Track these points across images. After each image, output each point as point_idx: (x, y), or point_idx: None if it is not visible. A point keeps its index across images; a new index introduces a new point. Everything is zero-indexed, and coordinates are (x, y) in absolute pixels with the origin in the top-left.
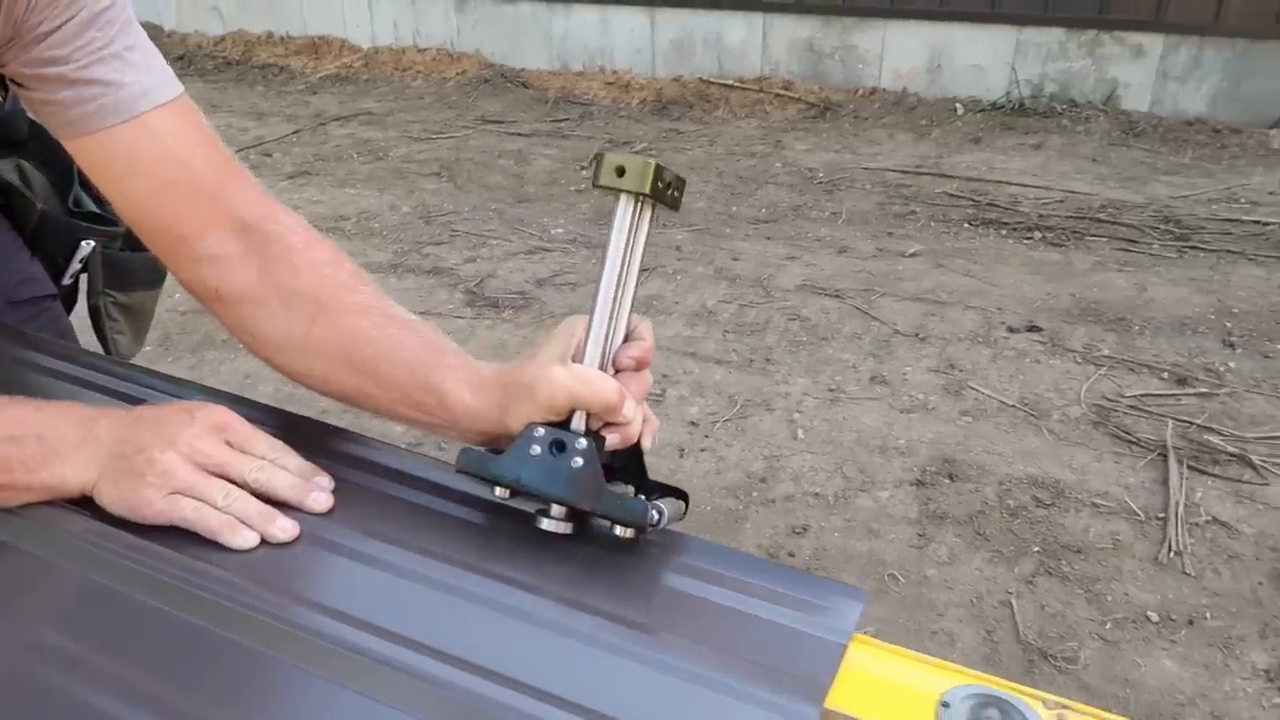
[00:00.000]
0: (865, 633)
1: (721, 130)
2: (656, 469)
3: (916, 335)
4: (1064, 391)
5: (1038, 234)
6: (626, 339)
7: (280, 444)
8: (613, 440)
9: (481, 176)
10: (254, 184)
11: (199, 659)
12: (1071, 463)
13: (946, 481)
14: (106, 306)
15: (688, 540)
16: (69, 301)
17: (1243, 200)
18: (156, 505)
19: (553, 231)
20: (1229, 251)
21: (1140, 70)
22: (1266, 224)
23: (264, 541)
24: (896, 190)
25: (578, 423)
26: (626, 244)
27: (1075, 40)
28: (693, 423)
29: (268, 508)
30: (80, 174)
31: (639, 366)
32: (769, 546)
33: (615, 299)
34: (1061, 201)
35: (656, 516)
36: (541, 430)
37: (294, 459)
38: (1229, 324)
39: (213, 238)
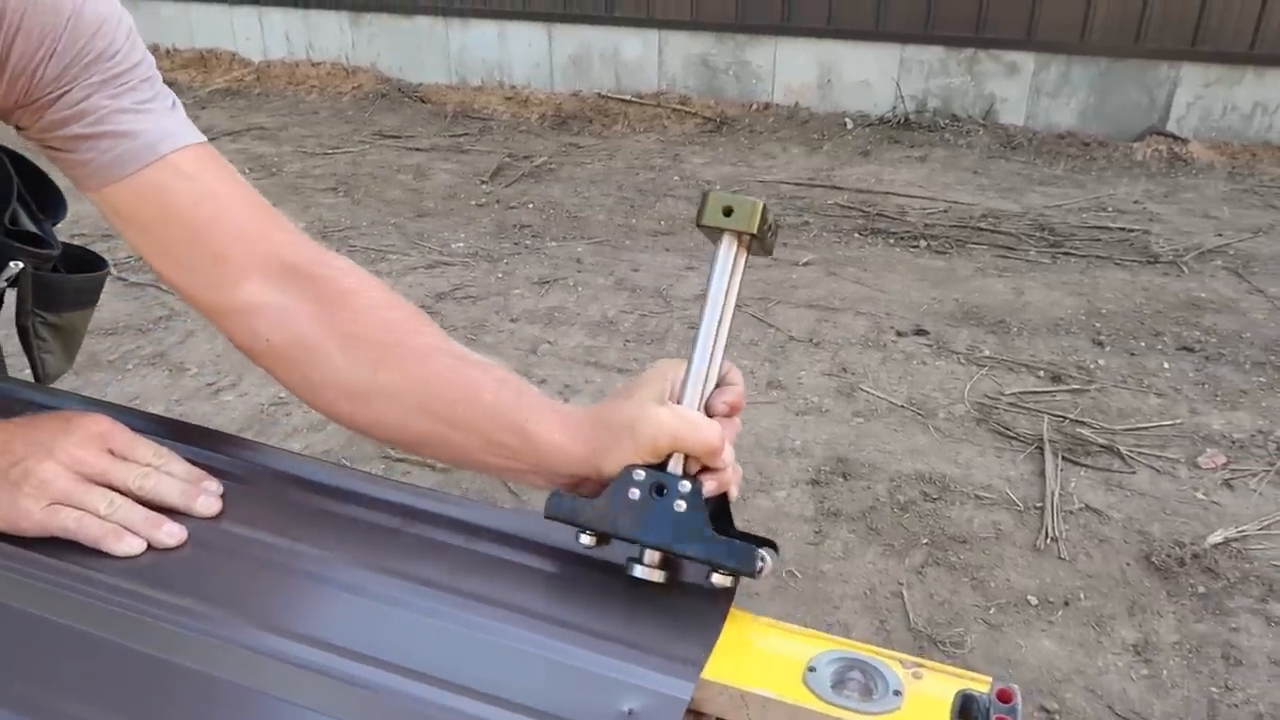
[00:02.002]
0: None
1: (620, 144)
2: None
3: (810, 341)
4: (949, 391)
5: (923, 242)
6: (719, 384)
7: (165, 450)
8: (709, 487)
9: (380, 191)
10: (293, 227)
11: (92, 667)
12: (957, 458)
13: (840, 480)
14: (36, 326)
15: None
16: None
17: (1110, 209)
18: (35, 517)
19: (453, 246)
20: (1098, 257)
21: (1015, 86)
22: (1131, 230)
23: (150, 548)
24: (790, 202)
25: (675, 466)
26: (728, 287)
27: (955, 58)
28: None
29: (153, 513)
30: (20, 191)
31: (731, 412)
32: None
33: (714, 341)
34: (945, 211)
35: (761, 564)
36: (642, 473)
37: (180, 464)
38: (1098, 324)
39: (258, 284)
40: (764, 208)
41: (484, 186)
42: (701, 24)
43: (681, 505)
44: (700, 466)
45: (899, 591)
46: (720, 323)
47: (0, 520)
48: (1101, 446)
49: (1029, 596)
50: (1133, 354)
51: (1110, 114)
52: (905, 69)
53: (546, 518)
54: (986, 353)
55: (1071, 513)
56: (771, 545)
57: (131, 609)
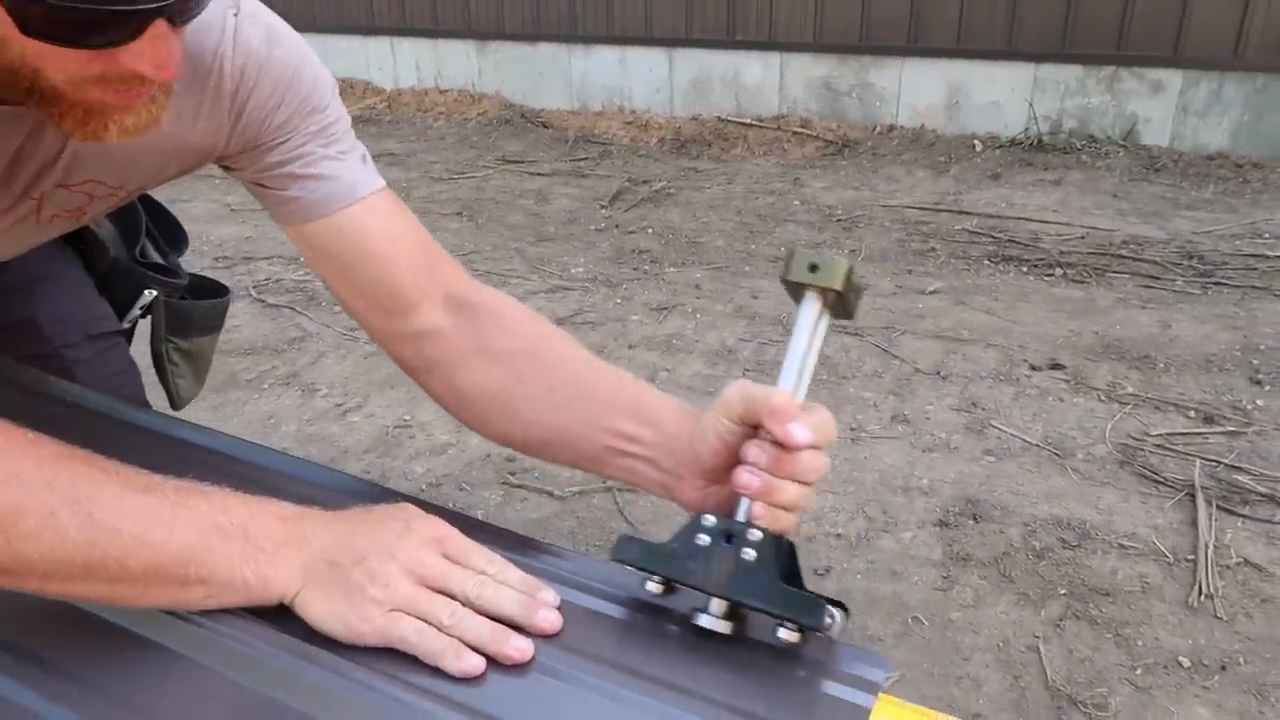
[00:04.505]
0: (890, 678)
1: (740, 168)
2: (675, 510)
3: (938, 373)
4: (1088, 430)
5: (1059, 271)
6: None
7: (498, 557)
8: (758, 513)
9: (502, 216)
10: (454, 261)
11: None
12: (1098, 503)
13: (970, 522)
14: (169, 352)
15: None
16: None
17: (1267, 236)
18: (377, 623)
19: (573, 270)
20: (1254, 288)
21: (1160, 105)
22: None
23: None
24: (916, 227)
25: (743, 513)
26: (809, 341)
27: (1093, 76)
28: None
29: (499, 626)
30: (149, 227)
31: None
32: None
33: (794, 394)
34: (1082, 238)
35: (830, 620)
36: (712, 519)
37: (515, 573)
38: (1256, 361)
39: (427, 312)
40: (850, 267)
41: (603, 211)
42: (824, 46)
43: (750, 554)
44: (769, 525)
45: (1035, 645)
46: (800, 378)
47: (336, 621)
48: (1261, 495)
49: (1181, 658)
50: None
51: (1267, 134)
52: (1039, 89)
53: (613, 560)
54: (1130, 390)
55: (1228, 567)
56: (842, 607)
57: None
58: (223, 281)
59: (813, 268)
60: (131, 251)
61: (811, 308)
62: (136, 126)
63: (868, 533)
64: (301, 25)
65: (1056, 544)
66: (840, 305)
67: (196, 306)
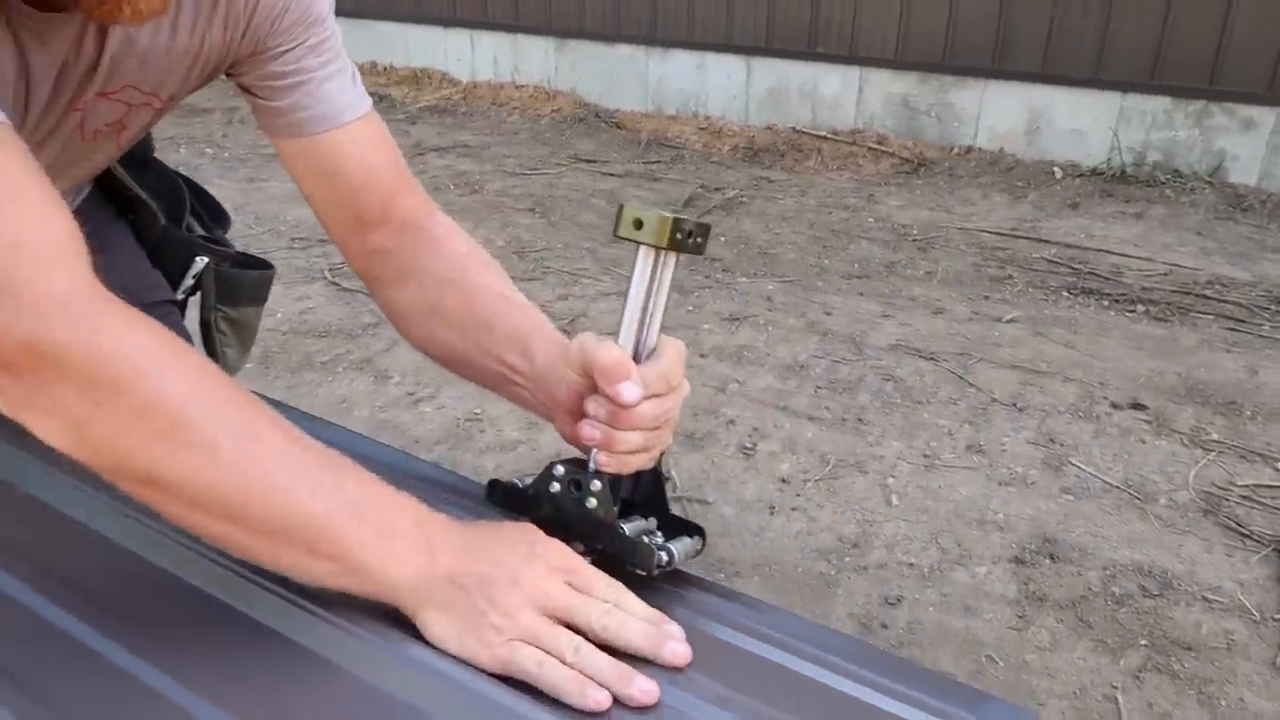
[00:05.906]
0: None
1: (813, 181)
2: (746, 525)
3: (1014, 405)
4: (1171, 475)
5: (1140, 307)
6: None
7: (618, 584)
8: (603, 461)
9: (575, 214)
10: (418, 188)
11: None
12: (1180, 552)
13: (1047, 561)
14: (217, 321)
15: (857, 645)
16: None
17: None
18: (497, 652)
19: None
20: None
21: (1250, 143)
22: None
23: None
24: (992, 252)
25: (593, 460)
26: (648, 293)
27: (1182, 110)
28: (784, 480)
29: (623, 665)
30: (193, 204)
31: (665, 388)
32: (861, 615)
33: (638, 343)
34: (1165, 275)
35: (665, 558)
36: (561, 469)
37: (637, 602)
38: None
39: (384, 234)
40: (675, 219)
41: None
42: (906, 63)
43: (592, 502)
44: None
45: (1113, 695)
46: (645, 326)
47: (457, 645)
48: None
49: None
50: None
51: None
52: (1124, 118)
53: (486, 499)
54: (1214, 436)
55: None
56: (699, 532)
57: None
58: (266, 259)
59: (638, 224)
60: (178, 227)
61: (645, 262)
62: (149, 9)
63: (940, 564)
64: (381, 14)
65: (1137, 591)
66: (681, 250)
67: (245, 275)
